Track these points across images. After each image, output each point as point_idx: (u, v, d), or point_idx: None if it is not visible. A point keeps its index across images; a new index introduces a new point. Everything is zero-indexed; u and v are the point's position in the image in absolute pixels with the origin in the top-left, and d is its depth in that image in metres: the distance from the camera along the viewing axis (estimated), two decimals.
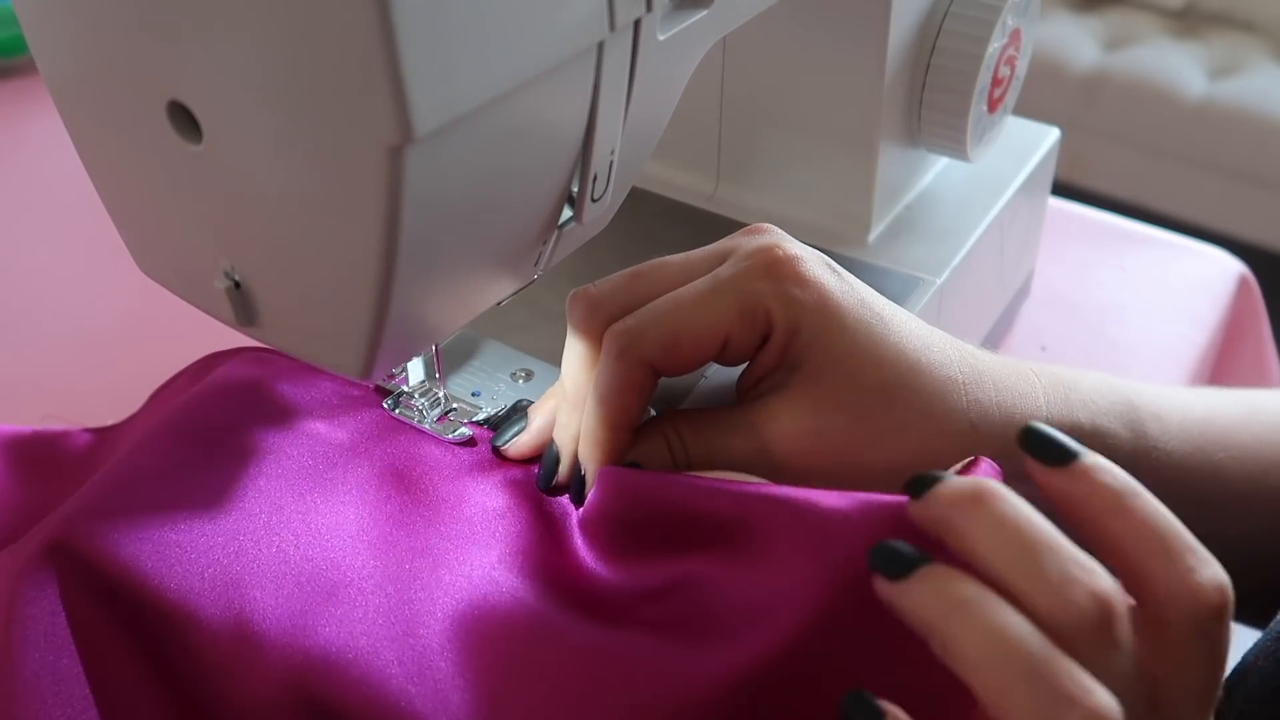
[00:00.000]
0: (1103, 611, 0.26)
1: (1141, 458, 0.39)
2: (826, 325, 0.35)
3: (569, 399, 0.37)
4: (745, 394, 0.37)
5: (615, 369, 0.34)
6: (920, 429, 0.36)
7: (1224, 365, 0.70)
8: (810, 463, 0.36)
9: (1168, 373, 0.62)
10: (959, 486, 0.28)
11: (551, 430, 0.38)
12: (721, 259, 0.36)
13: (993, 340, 0.61)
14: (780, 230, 0.37)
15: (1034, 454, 0.29)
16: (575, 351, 0.36)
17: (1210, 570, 0.27)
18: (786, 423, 0.35)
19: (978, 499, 0.27)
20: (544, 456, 0.38)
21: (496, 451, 0.40)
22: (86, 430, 0.43)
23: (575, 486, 0.37)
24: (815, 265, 0.36)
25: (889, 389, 0.35)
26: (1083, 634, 0.26)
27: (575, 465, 0.37)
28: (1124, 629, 0.27)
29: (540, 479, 0.38)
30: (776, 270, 0.35)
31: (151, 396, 0.43)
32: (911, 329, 0.37)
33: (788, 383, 0.36)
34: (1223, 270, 0.70)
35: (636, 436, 0.36)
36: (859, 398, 0.35)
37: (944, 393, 0.36)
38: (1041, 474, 0.29)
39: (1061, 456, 0.29)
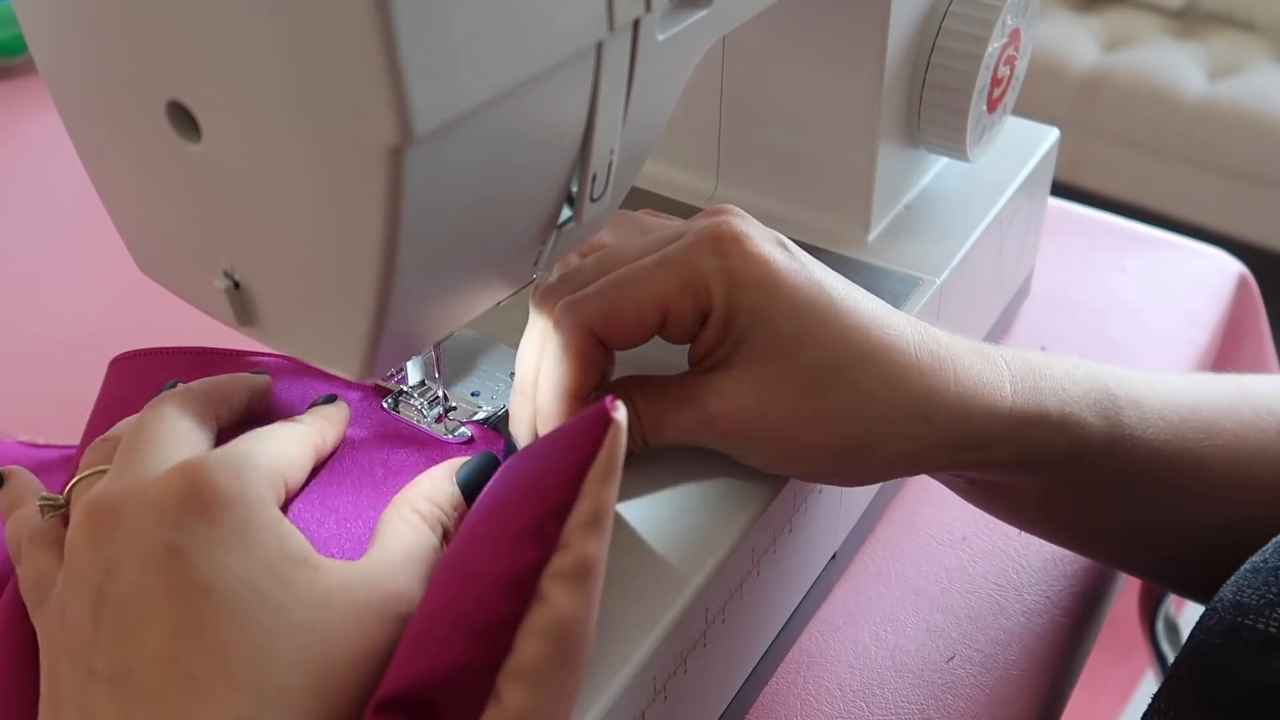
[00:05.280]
0: None
1: (1116, 446, 0.39)
2: (770, 303, 0.35)
3: (519, 388, 0.38)
4: (694, 367, 0.38)
5: (560, 337, 0.36)
6: (865, 415, 0.35)
7: (1223, 365, 0.70)
8: (751, 437, 0.36)
9: None
10: None
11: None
12: (678, 237, 0.36)
13: (992, 340, 0.61)
14: (740, 210, 0.37)
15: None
16: (529, 338, 0.38)
17: None
18: (729, 400, 0.36)
19: None
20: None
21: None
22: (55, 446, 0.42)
23: None
24: (763, 242, 0.35)
25: (832, 372, 0.35)
26: None
27: None
28: None
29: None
30: (721, 246, 0.35)
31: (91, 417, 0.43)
32: (866, 311, 0.36)
33: (731, 359, 0.36)
34: (1222, 270, 0.70)
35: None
36: (801, 378, 0.35)
37: (894, 379, 0.35)
38: None
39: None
